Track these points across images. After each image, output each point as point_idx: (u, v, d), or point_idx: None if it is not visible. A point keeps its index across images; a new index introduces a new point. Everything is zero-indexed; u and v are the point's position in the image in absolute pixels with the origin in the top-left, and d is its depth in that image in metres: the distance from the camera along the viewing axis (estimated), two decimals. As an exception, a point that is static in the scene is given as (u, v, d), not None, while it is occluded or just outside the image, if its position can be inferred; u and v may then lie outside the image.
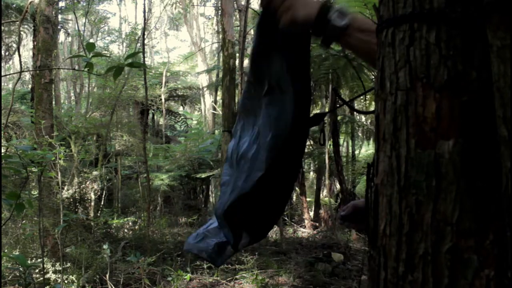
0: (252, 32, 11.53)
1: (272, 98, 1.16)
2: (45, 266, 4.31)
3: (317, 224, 9.47)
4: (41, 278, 4.09)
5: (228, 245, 1.31)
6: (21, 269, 3.77)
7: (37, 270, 4.32)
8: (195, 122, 19.28)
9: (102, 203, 7.98)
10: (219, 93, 13.17)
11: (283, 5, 0.88)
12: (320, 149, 9.47)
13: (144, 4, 7.32)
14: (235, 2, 8.03)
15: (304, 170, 11.20)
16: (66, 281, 4.28)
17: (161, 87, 12.93)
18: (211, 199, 13.06)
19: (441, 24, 0.67)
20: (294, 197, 10.64)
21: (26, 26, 11.76)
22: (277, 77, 1.12)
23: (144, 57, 7.50)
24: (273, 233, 8.03)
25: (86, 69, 2.13)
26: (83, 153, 7.50)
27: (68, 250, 5.16)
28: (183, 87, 14.85)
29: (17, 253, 4.78)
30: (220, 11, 8.93)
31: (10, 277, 4.28)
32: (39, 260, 4.43)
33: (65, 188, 6.99)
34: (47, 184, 5.56)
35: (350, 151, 11.35)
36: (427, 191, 0.65)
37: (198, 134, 11.58)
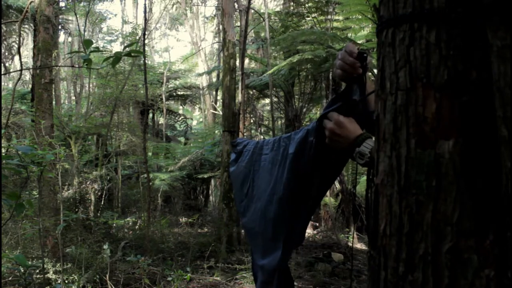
0: (252, 33, 11.50)
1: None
2: (45, 266, 4.31)
3: (317, 224, 9.46)
4: (41, 278, 4.09)
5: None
6: (21, 269, 3.77)
7: (37, 270, 4.31)
8: (195, 122, 19.28)
9: (102, 203, 7.98)
10: (219, 92, 13.18)
11: (332, 136, 1.25)
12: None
13: (145, 5, 7.32)
14: (235, 3, 8.02)
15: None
16: (66, 281, 4.27)
17: (162, 87, 12.94)
18: (211, 199, 13.06)
19: (441, 24, 0.67)
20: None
21: (26, 26, 11.78)
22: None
23: (144, 56, 7.50)
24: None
25: (85, 65, 2.12)
26: (83, 153, 7.49)
27: (68, 250, 5.15)
28: (183, 86, 14.86)
29: (17, 253, 4.78)
30: (220, 11, 8.93)
31: (11, 277, 4.28)
32: (39, 260, 4.43)
33: (65, 188, 7.00)
34: (47, 184, 5.56)
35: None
36: (427, 191, 0.65)
37: (204, 137, 11.58)
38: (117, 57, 2.09)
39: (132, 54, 2.11)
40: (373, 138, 1.15)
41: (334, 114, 1.25)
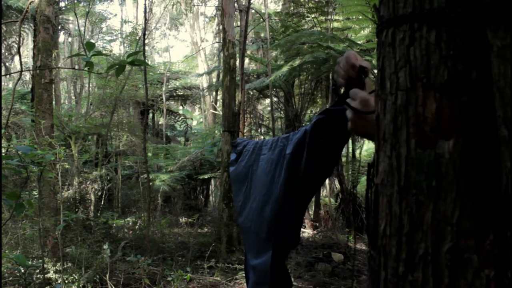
0: (252, 33, 11.49)
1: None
2: (45, 266, 4.31)
3: (317, 224, 9.46)
4: (41, 278, 4.09)
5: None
6: (21, 269, 3.78)
7: (37, 270, 4.31)
8: (195, 122, 19.28)
9: (102, 203, 7.98)
10: (219, 92, 13.18)
11: (359, 122, 1.09)
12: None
13: (145, 5, 7.33)
14: (235, 3, 8.02)
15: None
16: (66, 281, 4.28)
17: (162, 87, 12.94)
18: (211, 199, 13.07)
19: (441, 24, 0.67)
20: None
21: (26, 26, 11.78)
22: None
23: (144, 56, 7.50)
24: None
25: (86, 68, 2.12)
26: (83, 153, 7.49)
27: (68, 250, 5.16)
28: (183, 87, 14.86)
29: (17, 253, 4.78)
30: (220, 11, 8.93)
31: (11, 277, 4.28)
32: (39, 260, 4.43)
33: (65, 188, 7.00)
34: (47, 184, 5.56)
35: (350, 151, 11.35)
36: (427, 191, 0.65)
37: (204, 137, 11.58)
38: (122, 66, 2.09)
39: (135, 63, 2.11)
40: None
41: (359, 92, 1.07)
